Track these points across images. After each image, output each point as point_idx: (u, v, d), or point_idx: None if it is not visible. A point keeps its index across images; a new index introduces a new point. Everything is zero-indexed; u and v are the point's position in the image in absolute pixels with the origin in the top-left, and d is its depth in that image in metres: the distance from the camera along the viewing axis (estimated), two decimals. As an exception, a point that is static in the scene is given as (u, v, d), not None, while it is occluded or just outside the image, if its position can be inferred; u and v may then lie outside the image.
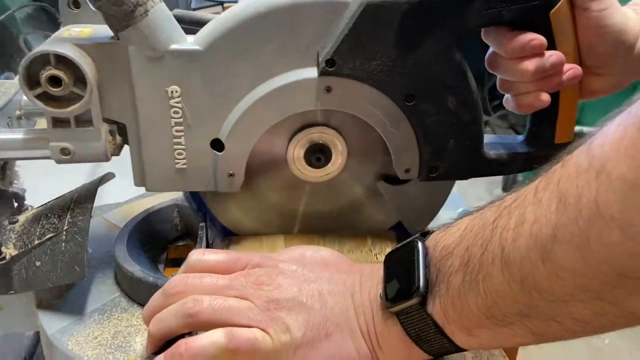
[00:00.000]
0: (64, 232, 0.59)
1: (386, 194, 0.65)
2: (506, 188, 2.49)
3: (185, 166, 0.59)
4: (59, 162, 0.58)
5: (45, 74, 0.53)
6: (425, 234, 0.47)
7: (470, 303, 0.42)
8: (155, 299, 0.51)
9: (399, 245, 0.49)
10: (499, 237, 0.40)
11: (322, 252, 0.53)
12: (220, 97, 0.57)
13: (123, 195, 0.82)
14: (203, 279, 0.49)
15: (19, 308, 0.64)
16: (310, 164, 0.61)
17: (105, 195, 0.74)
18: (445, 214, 0.70)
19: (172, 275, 0.65)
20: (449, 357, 0.49)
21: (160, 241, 0.70)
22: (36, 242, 0.59)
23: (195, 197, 0.65)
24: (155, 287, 0.59)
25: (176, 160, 0.58)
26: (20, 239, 0.60)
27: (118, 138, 0.58)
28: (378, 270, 0.48)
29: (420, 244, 0.45)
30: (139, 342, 0.58)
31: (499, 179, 2.52)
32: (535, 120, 0.63)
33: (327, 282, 0.49)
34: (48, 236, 0.59)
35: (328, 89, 0.57)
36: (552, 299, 0.38)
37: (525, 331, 0.41)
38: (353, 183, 0.65)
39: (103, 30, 0.56)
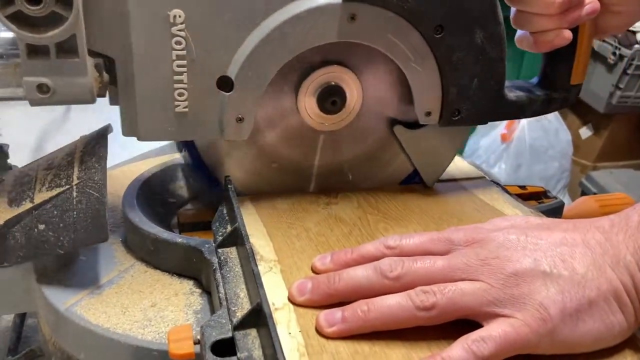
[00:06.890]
0: (75, 188, 0.50)
1: (402, 139, 0.61)
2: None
3: (186, 110, 0.50)
4: (34, 103, 0.46)
5: None
6: None
7: None
8: (365, 276, 0.42)
9: None
10: None
11: (533, 218, 0.46)
12: (230, 24, 0.49)
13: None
14: (419, 262, 0.42)
15: (12, 285, 0.52)
16: (324, 109, 0.56)
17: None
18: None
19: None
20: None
21: (168, 205, 0.61)
22: (37, 201, 0.49)
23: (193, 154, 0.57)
24: (187, 249, 0.51)
25: (176, 103, 0.49)
26: (14, 201, 0.50)
27: (105, 75, 0.48)
28: (626, 220, 0.42)
29: None
30: (172, 312, 0.49)
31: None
32: (550, 60, 0.62)
33: (563, 246, 0.41)
34: (55, 192, 0.49)
35: (352, 17, 0.51)
36: None
37: None
38: (368, 131, 0.61)
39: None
